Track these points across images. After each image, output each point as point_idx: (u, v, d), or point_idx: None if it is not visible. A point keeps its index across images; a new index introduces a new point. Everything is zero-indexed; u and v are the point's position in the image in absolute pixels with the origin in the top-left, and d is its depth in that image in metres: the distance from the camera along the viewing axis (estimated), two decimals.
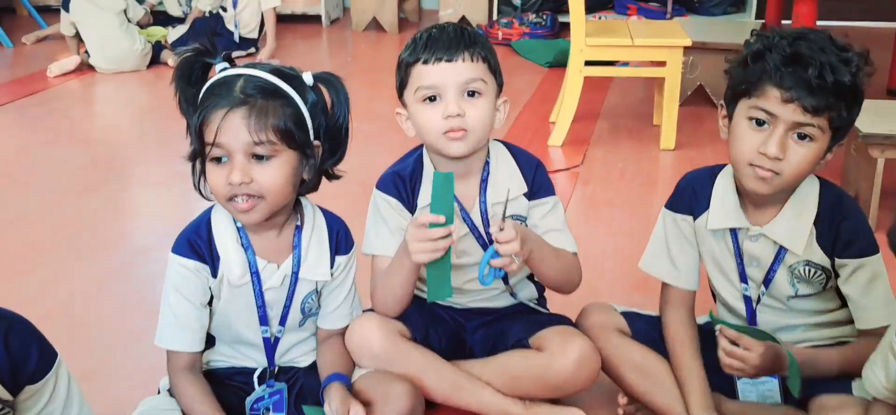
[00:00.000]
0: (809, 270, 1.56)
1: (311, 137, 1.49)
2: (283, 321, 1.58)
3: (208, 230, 1.53)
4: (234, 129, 1.40)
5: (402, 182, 1.72)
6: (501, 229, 1.53)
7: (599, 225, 2.77)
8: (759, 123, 1.48)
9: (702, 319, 1.74)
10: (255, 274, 1.53)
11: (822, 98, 1.42)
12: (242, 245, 1.52)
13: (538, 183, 1.74)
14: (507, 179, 1.72)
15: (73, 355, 1.97)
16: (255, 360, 1.63)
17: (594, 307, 1.77)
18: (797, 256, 1.55)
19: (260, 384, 1.62)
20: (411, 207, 1.72)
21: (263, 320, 1.56)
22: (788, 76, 1.43)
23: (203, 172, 1.47)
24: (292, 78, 1.48)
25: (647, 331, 1.72)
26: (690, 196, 1.64)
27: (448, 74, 1.59)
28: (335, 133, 1.53)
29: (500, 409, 1.68)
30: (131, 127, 4.18)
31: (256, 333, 1.58)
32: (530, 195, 1.73)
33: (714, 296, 1.73)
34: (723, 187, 1.59)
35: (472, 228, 1.71)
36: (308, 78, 1.50)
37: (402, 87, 1.67)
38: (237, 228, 1.52)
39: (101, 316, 2.21)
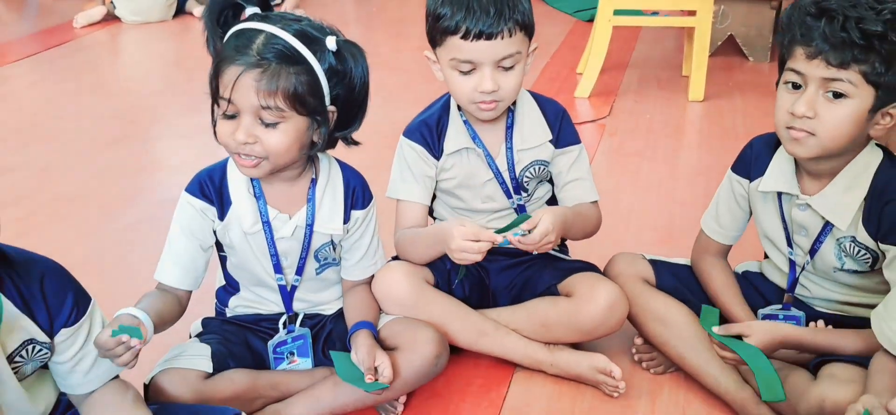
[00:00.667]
0: (855, 248, 1.52)
1: (327, 102, 1.47)
2: (299, 271, 1.60)
3: (223, 176, 1.54)
4: (244, 89, 1.39)
5: (428, 130, 1.72)
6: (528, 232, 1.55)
7: (626, 176, 2.75)
8: (795, 86, 1.45)
9: (742, 266, 1.76)
10: (266, 223, 1.54)
11: (847, 50, 1.37)
12: (255, 195, 1.53)
13: (563, 131, 1.74)
14: (533, 126, 1.71)
15: (103, 304, 2.01)
16: (279, 305, 1.64)
17: (621, 256, 1.77)
18: (844, 231, 1.52)
19: (286, 328, 1.63)
20: (437, 153, 1.72)
21: (277, 268, 1.57)
22: (813, 31, 1.40)
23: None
24: (314, 40, 1.45)
25: (672, 279, 1.73)
26: (750, 160, 1.63)
27: (486, 52, 1.57)
28: (350, 104, 1.51)
29: (524, 353, 1.70)
30: (157, 78, 4.19)
31: (270, 278, 1.59)
32: (555, 143, 1.73)
33: (766, 255, 1.72)
34: (782, 153, 1.56)
35: (497, 174, 1.72)
36: (332, 43, 1.46)
37: (433, 40, 1.64)
38: (250, 178, 1.53)
39: (129, 265, 2.24)
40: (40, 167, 2.91)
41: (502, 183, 1.72)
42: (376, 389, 1.48)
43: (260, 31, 1.42)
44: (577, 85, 3.57)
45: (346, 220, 1.59)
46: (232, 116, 1.43)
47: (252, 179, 1.53)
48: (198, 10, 4.92)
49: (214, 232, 1.55)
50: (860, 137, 1.46)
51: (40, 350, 1.25)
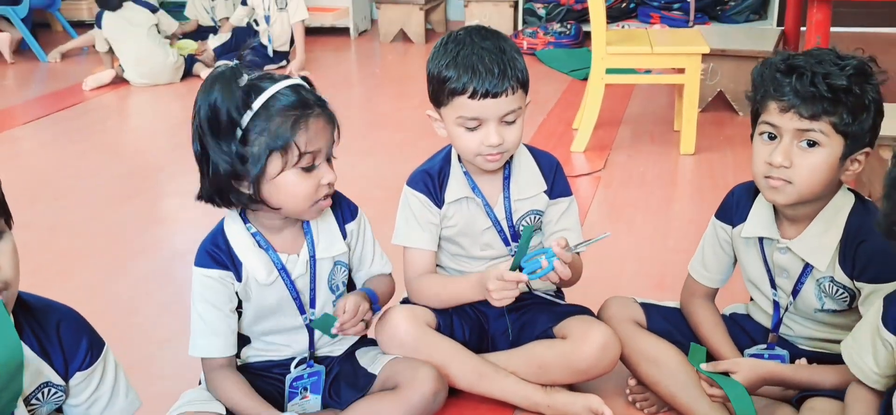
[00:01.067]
0: (834, 287, 1.61)
1: None
2: (312, 304, 1.68)
3: (225, 240, 1.62)
4: (321, 132, 1.52)
5: (430, 179, 1.82)
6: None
7: (621, 226, 2.84)
8: (771, 136, 1.55)
9: (729, 308, 1.84)
10: (282, 270, 1.62)
11: (817, 103, 1.47)
12: (261, 247, 1.62)
13: (556, 183, 1.85)
14: (529, 178, 1.82)
15: (116, 354, 2.09)
16: (292, 349, 1.71)
17: (614, 300, 1.85)
18: (823, 272, 1.60)
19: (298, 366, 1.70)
20: (439, 202, 1.81)
21: (301, 308, 1.66)
22: (784, 86, 1.50)
23: (244, 193, 1.54)
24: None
25: (662, 322, 1.82)
26: (732, 207, 1.73)
27: (491, 109, 1.67)
28: None
29: (522, 395, 1.77)
30: (166, 138, 4.30)
31: (294, 320, 1.67)
32: (549, 194, 1.83)
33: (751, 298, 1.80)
34: (762, 200, 1.66)
35: (495, 222, 1.81)
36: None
37: (438, 101, 1.74)
38: (251, 233, 1.61)
39: (141, 317, 2.32)
40: (49, 225, 3.00)
41: (500, 231, 1.82)
42: (331, 338, 1.62)
43: (292, 86, 1.54)
44: (573, 140, 3.69)
45: (345, 235, 1.69)
46: (309, 168, 1.54)
47: (254, 235, 1.61)
48: (205, 72, 5.07)
49: (237, 294, 1.63)
50: (833, 183, 1.55)
51: (55, 393, 1.32)
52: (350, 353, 1.76)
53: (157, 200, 3.30)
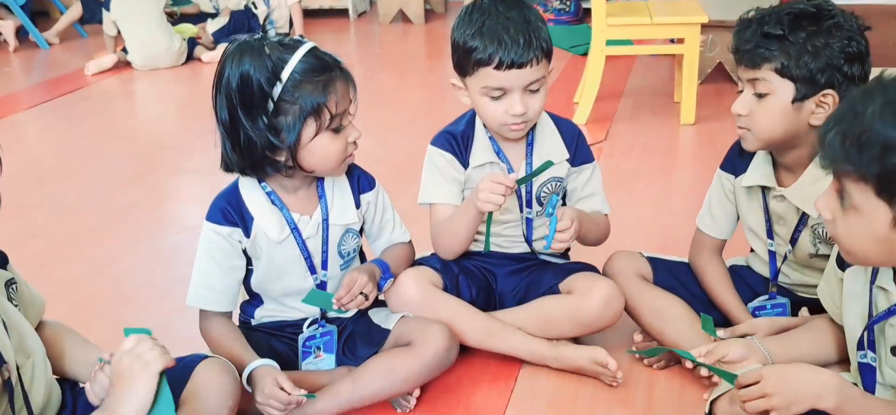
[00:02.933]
0: (826, 232, 1.65)
1: None
2: (324, 266, 1.72)
3: (238, 196, 1.66)
4: (345, 92, 1.58)
5: (455, 140, 1.86)
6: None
7: (623, 195, 2.87)
8: (741, 90, 1.65)
9: (730, 261, 1.88)
10: (294, 229, 1.66)
11: (756, 52, 1.55)
12: (276, 205, 1.66)
13: (579, 150, 1.89)
14: (552, 146, 1.86)
15: (131, 325, 2.13)
16: (303, 310, 1.75)
17: (620, 255, 1.90)
18: (817, 219, 1.64)
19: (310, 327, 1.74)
20: (464, 163, 1.85)
21: (312, 269, 1.70)
22: (735, 40, 1.60)
23: (266, 157, 1.57)
24: None
25: (668, 276, 1.86)
26: (735, 157, 1.78)
27: (516, 79, 1.71)
28: None
29: (529, 349, 1.81)
30: (171, 120, 4.34)
31: (305, 280, 1.70)
32: (572, 161, 1.88)
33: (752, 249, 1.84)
34: (762, 153, 1.71)
35: (517, 189, 1.85)
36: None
37: (463, 70, 1.77)
38: (266, 192, 1.65)
39: (153, 290, 2.36)
40: (59, 204, 3.04)
41: (520, 198, 1.86)
42: (338, 313, 1.67)
43: (313, 48, 1.60)
44: (574, 113, 3.72)
45: (358, 206, 1.73)
46: (338, 129, 1.60)
47: (269, 193, 1.65)
48: (206, 55, 5.10)
49: (244, 251, 1.67)
50: (800, 128, 1.59)
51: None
52: (363, 312, 1.80)
53: (166, 179, 3.34)
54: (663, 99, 4.00)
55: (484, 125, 1.84)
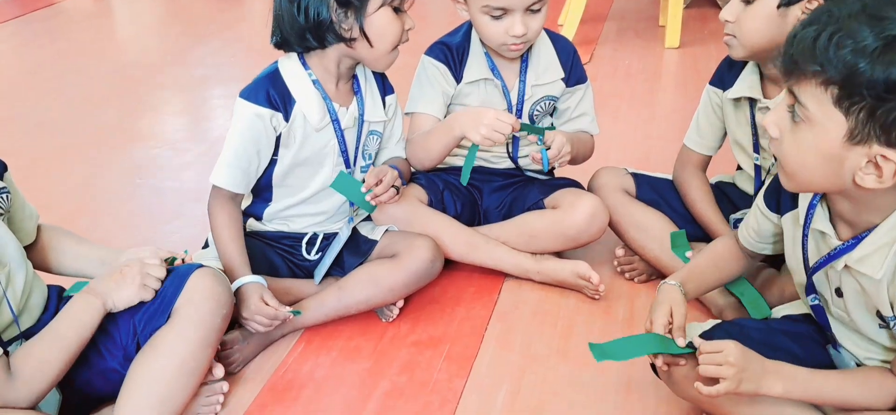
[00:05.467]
0: None
1: None
2: (355, 162, 1.72)
3: (281, 79, 1.62)
4: None
5: (450, 52, 1.84)
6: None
7: (606, 117, 2.85)
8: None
9: (716, 178, 1.90)
10: (335, 121, 1.65)
11: None
12: (321, 94, 1.64)
13: (574, 70, 1.89)
14: (548, 65, 1.86)
15: (114, 239, 2.12)
16: (306, 224, 1.75)
17: (605, 170, 1.92)
18: None
19: (308, 250, 1.74)
20: (457, 76, 1.84)
21: (347, 161, 1.69)
22: None
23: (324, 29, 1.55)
24: None
25: (651, 191, 1.88)
26: (725, 71, 1.78)
27: (518, 0, 1.69)
28: None
29: (513, 263, 1.83)
30: (147, 38, 4.26)
31: (327, 177, 1.68)
32: (567, 81, 1.87)
33: (738, 167, 1.85)
34: (751, 65, 1.72)
35: (510, 106, 1.85)
36: None
37: None
38: (311, 79, 1.63)
39: (136, 203, 2.35)
40: (37, 120, 3.00)
41: (512, 113, 1.85)
42: (368, 208, 1.67)
43: None
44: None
45: (384, 106, 1.74)
46: (399, 9, 1.60)
47: (314, 80, 1.62)
48: None
49: (278, 139, 1.63)
50: (785, 35, 1.56)
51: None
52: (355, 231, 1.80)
53: (145, 96, 3.28)
54: (648, 23, 3.98)
55: (480, 40, 1.82)
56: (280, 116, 1.61)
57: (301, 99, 1.62)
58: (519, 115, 1.87)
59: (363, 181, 1.64)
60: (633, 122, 2.84)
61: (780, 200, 1.35)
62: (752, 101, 1.73)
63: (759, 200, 1.40)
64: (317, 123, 1.64)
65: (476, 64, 1.83)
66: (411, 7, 1.63)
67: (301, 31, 1.56)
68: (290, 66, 1.64)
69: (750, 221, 1.44)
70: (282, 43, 1.61)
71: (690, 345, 1.32)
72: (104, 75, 3.50)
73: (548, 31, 1.88)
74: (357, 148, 1.71)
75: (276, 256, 1.74)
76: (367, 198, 1.64)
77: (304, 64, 1.64)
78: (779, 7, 1.57)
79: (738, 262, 1.49)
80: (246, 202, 1.75)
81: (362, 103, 1.70)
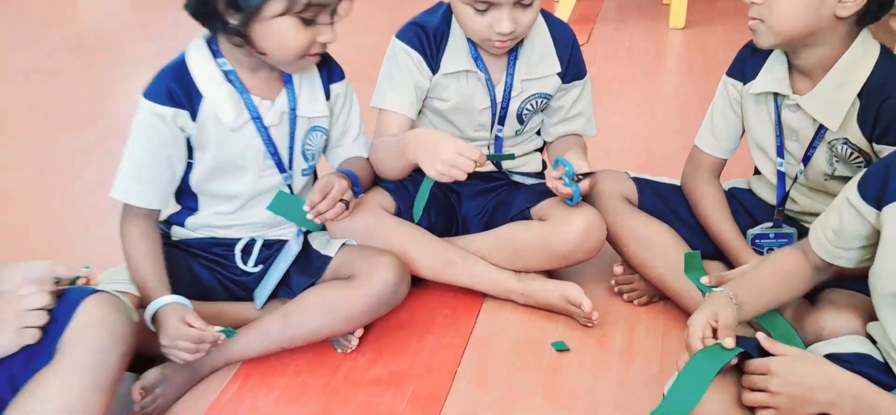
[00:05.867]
0: (848, 150, 1.41)
1: None
2: (291, 165, 1.47)
3: (185, 71, 1.37)
4: None
5: (426, 37, 1.55)
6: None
7: (606, 103, 2.60)
8: None
9: (729, 183, 1.64)
10: (256, 118, 1.39)
11: None
12: (233, 85, 1.38)
13: (572, 64, 1.62)
14: (542, 56, 1.59)
15: (44, 233, 1.86)
16: (239, 226, 1.49)
17: (603, 173, 1.64)
18: (835, 133, 1.40)
19: (243, 260, 1.48)
20: (434, 66, 1.56)
21: (280, 165, 1.44)
22: None
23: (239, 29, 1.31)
24: None
25: (655, 199, 1.61)
26: (745, 61, 1.51)
27: None
28: None
29: (493, 281, 1.57)
30: (102, 9, 3.95)
31: (262, 178, 1.44)
32: (564, 76, 1.60)
33: (756, 171, 1.60)
34: (777, 55, 1.46)
35: (493, 102, 1.58)
36: None
37: None
38: (223, 70, 1.38)
39: (74, 191, 2.08)
40: None
41: (495, 112, 1.59)
42: (313, 228, 1.42)
43: None
44: (554, 12, 3.41)
45: (328, 96, 1.47)
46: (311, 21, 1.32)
47: (226, 71, 1.37)
48: None
49: (188, 141, 1.39)
50: (823, 21, 1.33)
51: None
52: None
53: (99, 70, 3.00)
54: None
55: (461, 26, 1.54)
56: (185, 114, 1.36)
57: (210, 94, 1.36)
58: (504, 113, 1.60)
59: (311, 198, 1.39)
60: (635, 111, 2.57)
61: (888, 188, 1.11)
62: (777, 97, 1.46)
63: (852, 192, 1.16)
64: (231, 121, 1.37)
65: (456, 52, 1.56)
66: (340, 20, 1.36)
67: (192, 6, 1.32)
68: (197, 56, 1.37)
69: (829, 220, 1.20)
70: (188, 7, 1.34)
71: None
72: (53, 47, 3.21)
73: (544, 14, 1.59)
74: (291, 148, 1.45)
75: (204, 270, 1.47)
76: (310, 215, 1.38)
77: (217, 51, 1.37)
78: None
79: (805, 279, 1.25)
80: (169, 210, 1.48)
81: (294, 95, 1.43)
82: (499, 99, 1.58)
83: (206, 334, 1.27)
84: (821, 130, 1.42)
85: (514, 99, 1.59)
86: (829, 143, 1.42)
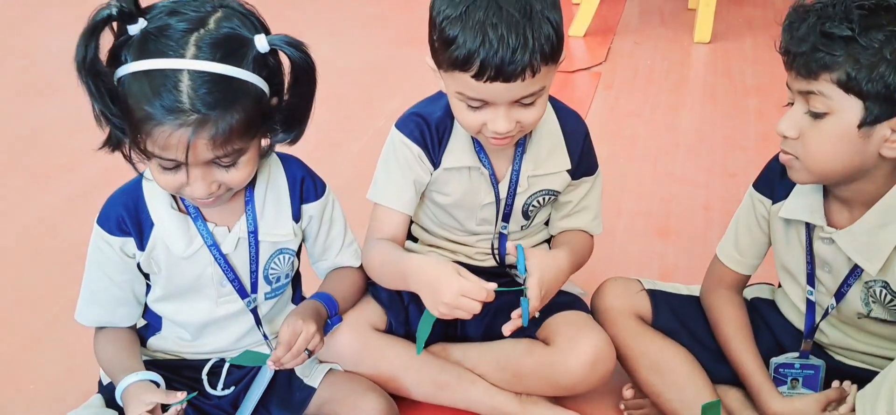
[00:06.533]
0: (887, 295, 1.26)
1: (272, 102, 1.20)
2: (254, 290, 1.35)
3: (138, 196, 1.28)
4: (193, 149, 1.11)
5: (428, 129, 1.41)
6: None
7: (621, 144, 2.45)
8: (791, 102, 1.24)
9: (751, 291, 1.51)
10: (213, 246, 1.28)
11: (812, 55, 1.16)
12: (190, 214, 1.27)
13: (584, 160, 1.47)
14: (551, 152, 1.44)
15: (40, 299, 1.75)
16: (205, 350, 1.38)
17: (614, 284, 1.50)
18: (874, 275, 1.26)
19: (212, 384, 1.37)
20: (435, 161, 1.42)
21: (242, 291, 1.33)
22: (784, 35, 1.21)
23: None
24: (242, 49, 1.13)
25: (671, 318, 1.47)
26: (775, 178, 1.36)
27: (502, 94, 1.25)
28: (293, 114, 1.22)
29: (491, 406, 1.45)
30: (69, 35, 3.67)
31: (219, 306, 1.34)
32: (574, 173, 1.46)
33: (779, 284, 1.46)
34: None
35: (496, 198, 1.45)
36: (262, 44, 1.14)
37: (435, 59, 1.31)
38: (181, 196, 1.26)
39: (57, 251, 1.96)
40: None
41: (498, 210, 1.47)
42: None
43: (178, 73, 1.09)
44: (572, 20, 3.23)
45: (297, 218, 1.34)
46: (173, 168, 1.15)
47: (183, 197, 1.26)
48: None
49: (139, 266, 1.30)
50: (867, 161, 1.19)
51: None
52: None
53: (78, 100, 2.82)
54: (676, 4, 3.51)
55: None
56: (131, 241, 1.27)
57: (158, 219, 1.26)
58: (508, 210, 1.46)
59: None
60: (653, 153, 2.41)
61: None
62: (810, 225, 1.31)
63: None
64: (181, 252, 1.27)
65: (459, 146, 1.42)
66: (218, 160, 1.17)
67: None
68: (151, 181, 1.24)
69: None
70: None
71: None
72: (25, 74, 2.99)
73: (555, 104, 1.44)
74: (254, 272, 1.32)
75: (181, 387, 1.35)
76: (269, 362, 1.27)
77: None
78: (860, 126, 1.15)
79: None
80: (140, 324, 1.39)
81: (254, 218, 1.30)
82: (503, 195, 1.45)
83: (168, 399, 1.20)
84: (857, 269, 1.27)
85: (520, 195, 1.45)
86: (866, 283, 1.28)
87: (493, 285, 1.25)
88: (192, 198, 1.20)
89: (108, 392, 1.34)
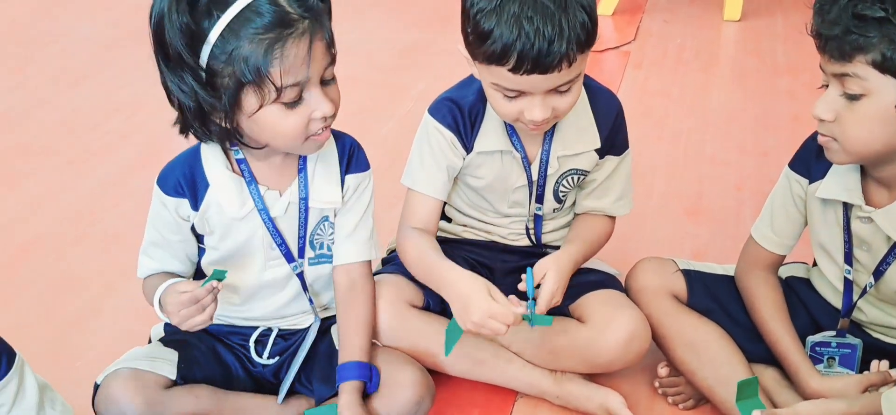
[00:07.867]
0: None
1: None
2: (301, 254, 1.38)
3: (195, 159, 1.32)
4: (304, 57, 1.16)
5: (461, 115, 1.43)
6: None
7: (650, 125, 2.44)
8: (825, 84, 1.25)
9: (786, 270, 1.50)
10: (262, 210, 1.31)
11: (845, 38, 1.15)
12: (242, 174, 1.31)
13: (615, 138, 1.48)
14: (581, 131, 1.45)
15: (70, 291, 1.79)
16: (254, 316, 1.41)
17: (648, 264, 1.51)
18: None
19: (258, 352, 1.41)
20: (468, 145, 1.44)
21: (289, 256, 1.36)
22: (816, 18, 1.20)
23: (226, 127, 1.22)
24: None
25: (706, 297, 1.47)
26: (811, 158, 1.36)
27: (539, 84, 1.26)
28: None
29: (527, 382, 1.47)
30: (106, 21, 3.72)
31: (266, 270, 1.37)
32: (601, 151, 1.47)
33: (814, 263, 1.46)
34: None
35: (529, 180, 1.46)
36: None
37: (470, 51, 1.32)
38: (236, 158, 1.31)
39: (104, 235, 1.99)
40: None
41: (531, 191, 1.48)
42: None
43: None
44: None
45: (342, 186, 1.37)
46: (295, 103, 1.19)
47: (239, 159, 1.30)
48: None
49: (193, 228, 1.34)
50: None
51: None
52: (325, 328, 1.45)
53: (114, 85, 2.87)
54: None
55: None
56: (186, 202, 1.31)
57: (213, 181, 1.30)
58: (541, 191, 1.47)
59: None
60: (684, 133, 2.41)
61: None
62: (847, 204, 1.31)
63: None
64: (234, 212, 1.30)
65: (492, 130, 1.43)
66: (326, 79, 1.22)
67: (183, 123, 1.25)
68: (209, 145, 1.29)
69: None
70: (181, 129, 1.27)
71: None
72: (64, 58, 3.02)
73: (587, 81, 1.44)
74: (302, 238, 1.35)
75: (228, 353, 1.41)
76: None
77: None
78: None
79: None
80: None
81: (306, 184, 1.33)
82: (535, 177, 1.46)
83: (197, 291, 1.23)
84: (895, 246, 1.27)
85: (550, 177, 1.46)
86: None
87: (521, 309, 1.29)
88: (312, 128, 1.22)
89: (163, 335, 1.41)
